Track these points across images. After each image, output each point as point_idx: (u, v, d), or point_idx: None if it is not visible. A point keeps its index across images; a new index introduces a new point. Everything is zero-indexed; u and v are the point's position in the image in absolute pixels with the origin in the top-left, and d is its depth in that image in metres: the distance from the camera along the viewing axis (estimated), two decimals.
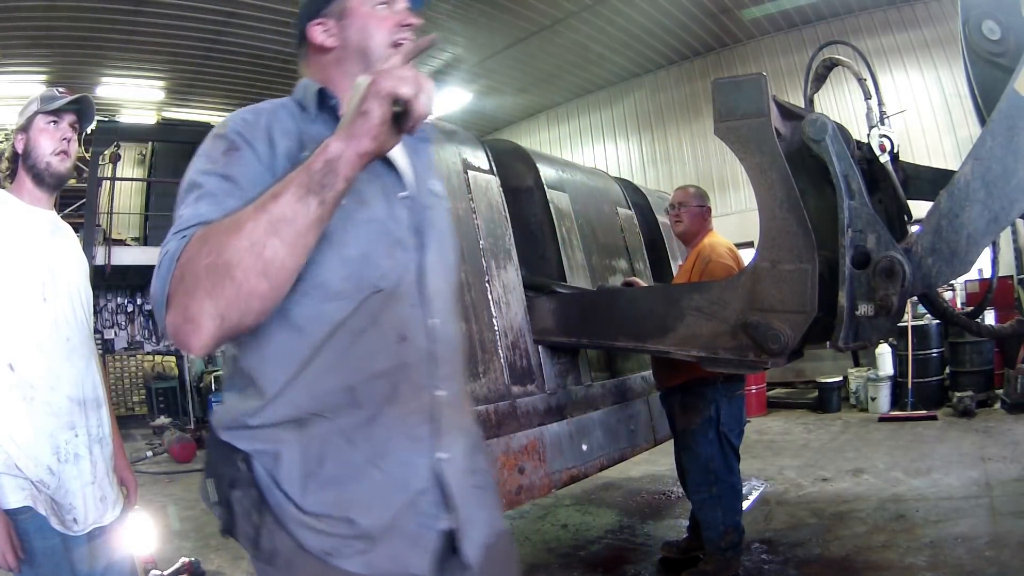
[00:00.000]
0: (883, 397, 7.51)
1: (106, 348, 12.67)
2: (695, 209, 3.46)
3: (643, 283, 3.76)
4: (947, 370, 7.44)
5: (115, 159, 11.87)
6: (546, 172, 3.66)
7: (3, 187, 1.93)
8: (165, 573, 3.75)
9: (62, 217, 2.07)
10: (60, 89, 1.97)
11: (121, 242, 12.08)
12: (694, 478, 3.36)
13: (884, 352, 7.49)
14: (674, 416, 3.42)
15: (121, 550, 1.97)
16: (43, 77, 9.69)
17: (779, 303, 2.26)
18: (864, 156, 2.54)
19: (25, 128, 1.91)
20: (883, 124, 2.53)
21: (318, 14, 1.20)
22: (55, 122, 1.92)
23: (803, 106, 2.65)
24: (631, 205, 4.50)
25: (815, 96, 2.78)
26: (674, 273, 4.28)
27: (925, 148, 8.06)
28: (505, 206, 3.10)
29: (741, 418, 3.40)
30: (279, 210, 0.89)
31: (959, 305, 7.44)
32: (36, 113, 1.91)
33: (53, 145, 1.90)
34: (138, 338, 13.49)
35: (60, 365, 1.84)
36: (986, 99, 2.38)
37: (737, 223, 7.96)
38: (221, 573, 4.04)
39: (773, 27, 9.79)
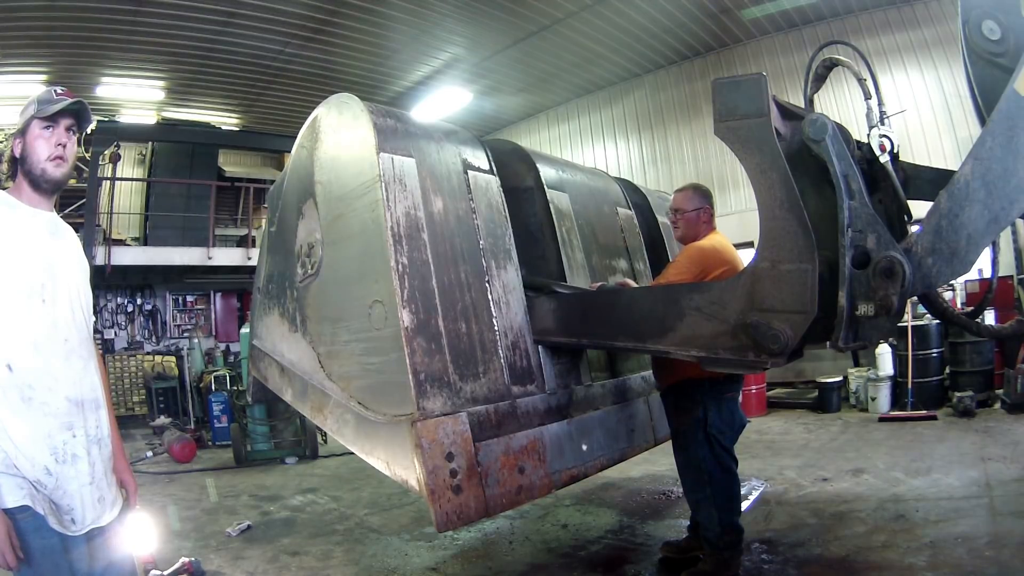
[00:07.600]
0: (883, 397, 7.52)
1: (106, 348, 12.68)
2: (691, 215, 3.46)
3: (635, 284, 3.76)
4: (947, 370, 7.44)
5: (115, 159, 11.87)
6: (546, 172, 3.65)
7: (4, 188, 1.93)
8: (165, 573, 3.75)
9: (62, 217, 2.06)
10: (58, 90, 1.94)
11: (121, 242, 12.09)
12: (689, 479, 3.37)
13: (884, 352, 7.49)
14: (670, 416, 3.45)
15: (120, 550, 1.96)
16: (43, 77, 9.70)
17: (779, 303, 2.25)
18: (864, 156, 2.54)
19: (22, 132, 1.91)
20: (883, 124, 2.53)
21: None
22: (51, 127, 1.91)
23: (803, 106, 2.65)
24: (631, 205, 4.49)
25: (815, 96, 2.78)
26: None
27: (925, 148, 8.07)
28: (505, 206, 3.09)
29: (734, 421, 3.38)
30: None
31: (959, 305, 7.43)
32: (32, 118, 1.90)
33: (48, 151, 1.89)
34: (138, 338, 13.50)
35: (58, 366, 1.83)
36: (986, 99, 2.38)
37: (737, 223, 7.94)
38: (221, 573, 4.04)
39: (773, 27, 9.79)
